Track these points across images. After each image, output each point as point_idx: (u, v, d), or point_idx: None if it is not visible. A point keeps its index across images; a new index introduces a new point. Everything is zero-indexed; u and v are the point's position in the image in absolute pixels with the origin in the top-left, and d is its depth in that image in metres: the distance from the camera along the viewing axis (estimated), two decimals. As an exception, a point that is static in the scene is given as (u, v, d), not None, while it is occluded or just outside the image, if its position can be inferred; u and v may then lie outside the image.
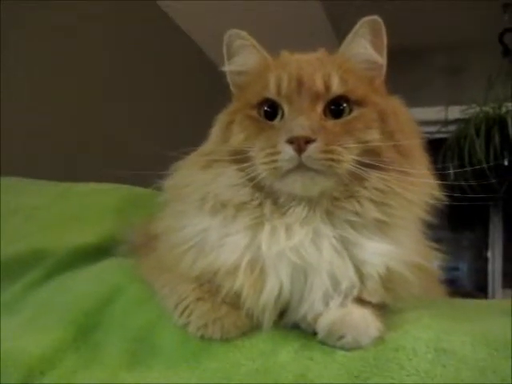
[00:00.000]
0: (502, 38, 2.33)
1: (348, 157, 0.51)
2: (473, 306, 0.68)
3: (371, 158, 0.53)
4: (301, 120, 0.51)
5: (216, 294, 0.54)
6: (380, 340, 0.49)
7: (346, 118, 0.54)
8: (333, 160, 0.51)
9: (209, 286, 0.55)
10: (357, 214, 0.53)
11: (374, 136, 0.54)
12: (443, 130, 2.28)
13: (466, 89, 2.41)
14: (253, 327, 0.53)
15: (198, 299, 0.54)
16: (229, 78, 0.63)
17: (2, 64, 1.37)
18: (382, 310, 0.54)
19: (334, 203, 0.54)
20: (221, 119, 0.61)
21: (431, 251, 0.60)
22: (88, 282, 0.68)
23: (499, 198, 2.19)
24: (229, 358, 0.50)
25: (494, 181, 2.00)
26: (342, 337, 0.49)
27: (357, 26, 0.57)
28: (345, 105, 0.55)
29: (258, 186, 0.55)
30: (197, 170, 0.59)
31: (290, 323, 0.53)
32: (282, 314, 0.54)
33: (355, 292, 0.52)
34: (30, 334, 0.57)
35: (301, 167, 0.51)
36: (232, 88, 0.63)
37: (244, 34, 0.60)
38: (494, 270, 2.62)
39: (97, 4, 1.75)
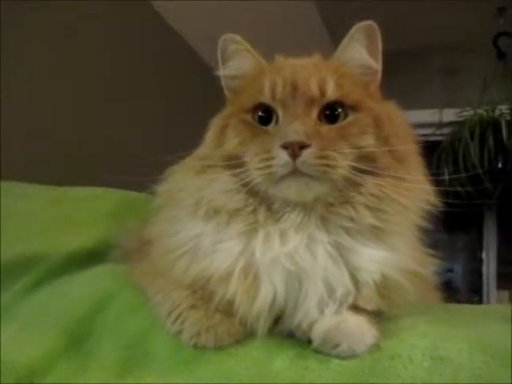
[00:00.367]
0: (497, 41, 2.34)
1: (343, 162, 0.51)
2: (468, 311, 0.68)
3: (366, 164, 0.52)
4: (295, 125, 0.51)
5: (209, 301, 0.53)
6: (376, 348, 0.49)
7: (340, 124, 0.54)
8: (328, 165, 0.50)
9: (202, 293, 0.54)
10: (352, 219, 0.53)
11: (369, 141, 0.54)
12: (438, 132, 2.29)
13: (461, 92, 2.42)
14: (247, 335, 0.52)
15: (192, 307, 0.53)
16: (223, 83, 0.62)
17: (1, 64, 1.36)
18: (377, 317, 0.53)
19: (329, 209, 0.53)
20: (215, 124, 0.60)
21: (427, 257, 0.60)
22: (80, 288, 0.67)
23: (493, 201, 2.19)
24: (223, 367, 0.49)
25: (488, 184, 2.01)
26: (337, 345, 0.48)
27: (352, 31, 0.57)
28: (340, 110, 0.54)
29: (252, 192, 0.54)
30: (191, 175, 0.58)
31: (284, 331, 0.53)
32: (277, 321, 0.53)
33: (350, 299, 0.52)
34: (21, 343, 0.56)
35: (295, 173, 0.50)
36: (226, 92, 0.62)
37: (239, 38, 0.59)
38: (488, 272, 2.63)
39: (96, 4, 1.75)
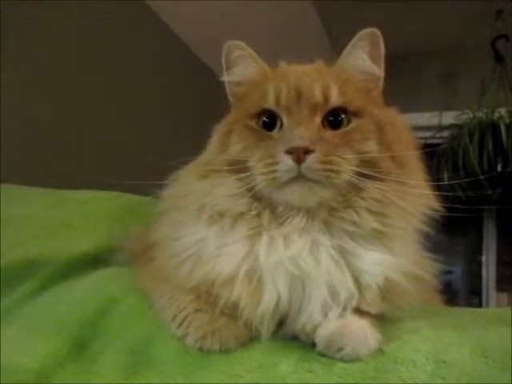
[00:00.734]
0: (495, 44, 2.35)
1: (346, 167, 0.52)
2: (469, 314, 0.68)
3: (369, 169, 0.53)
4: (300, 131, 0.52)
5: (214, 305, 0.53)
6: (379, 351, 0.49)
7: (344, 129, 0.55)
8: (331, 170, 0.51)
9: (207, 296, 0.54)
10: (355, 224, 0.54)
11: (371, 147, 0.55)
12: (437, 135, 2.30)
13: (460, 94, 2.43)
14: (251, 338, 0.53)
15: (197, 310, 0.53)
16: (227, 88, 0.63)
17: (1, 64, 1.36)
18: (380, 320, 0.54)
19: (332, 213, 0.54)
20: (219, 129, 0.61)
21: (428, 261, 0.60)
22: (84, 292, 0.67)
23: (493, 203, 2.20)
24: (228, 370, 0.50)
25: (487, 186, 2.02)
26: (341, 348, 0.49)
27: (355, 38, 0.58)
28: (343, 116, 0.55)
29: (256, 196, 0.55)
30: (195, 180, 0.59)
31: (288, 334, 0.53)
32: (281, 324, 0.54)
33: (354, 302, 0.52)
34: (24, 347, 0.56)
35: (299, 178, 0.51)
36: (230, 98, 0.63)
37: (243, 44, 0.60)
38: (488, 274, 2.63)
39: (96, 4, 1.75)
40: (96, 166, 1.63)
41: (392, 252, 0.55)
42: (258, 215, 0.55)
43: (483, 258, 2.67)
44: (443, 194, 0.59)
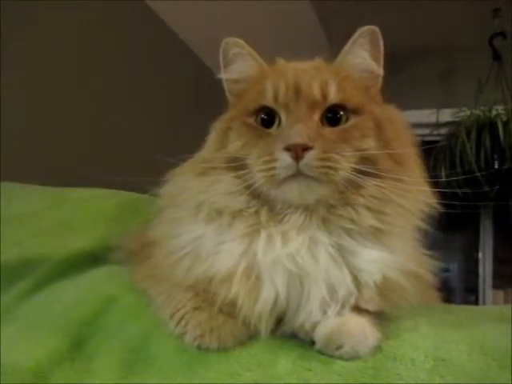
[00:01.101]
0: (492, 41, 2.36)
1: (345, 164, 0.52)
2: (468, 312, 0.68)
3: (367, 166, 0.53)
4: (298, 128, 0.51)
5: (212, 303, 0.53)
6: (378, 349, 0.49)
7: (342, 126, 0.54)
8: (330, 168, 0.51)
9: (205, 295, 0.54)
10: (353, 221, 0.53)
11: (370, 144, 0.54)
12: (434, 132, 2.30)
13: (457, 92, 2.44)
14: (250, 336, 0.53)
15: (195, 309, 0.53)
16: (225, 86, 0.62)
17: (1, 64, 1.35)
18: (378, 318, 0.54)
19: (330, 211, 0.54)
20: (217, 126, 0.60)
21: (426, 258, 0.60)
22: (82, 290, 0.66)
23: (490, 200, 2.21)
24: (226, 369, 0.49)
25: (484, 183, 2.02)
26: (340, 346, 0.49)
27: (355, 36, 0.57)
28: (341, 113, 0.55)
29: (254, 194, 0.54)
30: (193, 177, 0.58)
31: (287, 332, 0.53)
32: (279, 322, 0.53)
33: (352, 300, 0.52)
34: (22, 346, 0.56)
35: (298, 175, 0.51)
36: (228, 95, 0.62)
37: (240, 41, 0.60)
38: (484, 271, 2.64)
39: (96, 4, 1.74)
40: (95, 165, 1.62)
41: (390, 249, 0.54)
42: (256, 213, 0.55)
43: (480, 256, 2.68)
44: (440, 190, 0.59)
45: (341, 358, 0.49)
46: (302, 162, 0.50)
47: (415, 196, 0.56)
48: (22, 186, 1.07)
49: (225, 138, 0.58)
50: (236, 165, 0.55)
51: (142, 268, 0.65)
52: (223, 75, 0.62)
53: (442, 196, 0.59)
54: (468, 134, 2.11)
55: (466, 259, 2.86)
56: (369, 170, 0.53)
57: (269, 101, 0.55)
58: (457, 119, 2.27)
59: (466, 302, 2.73)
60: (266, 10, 2.20)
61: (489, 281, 2.61)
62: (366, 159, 0.53)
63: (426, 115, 2.28)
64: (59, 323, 0.59)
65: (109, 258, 0.78)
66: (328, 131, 0.54)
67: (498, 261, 2.62)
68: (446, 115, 2.32)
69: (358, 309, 0.53)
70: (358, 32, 0.57)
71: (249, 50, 0.60)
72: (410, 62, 2.66)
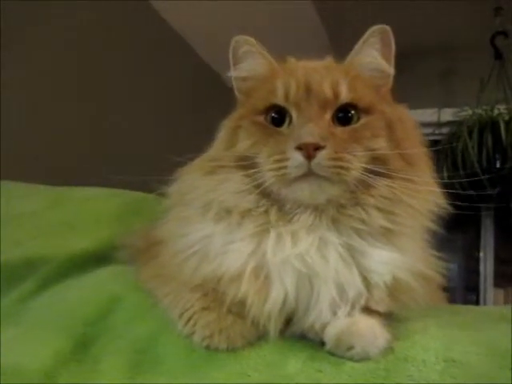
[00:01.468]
0: (494, 40, 2.35)
1: (356, 164, 0.51)
2: (474, 312, 0.68)
3: (378, 166, 0.53)
4: (310, 127, 0.51)
5: (221, 303, 0.53)
6: (389, 350, 0.49)
7: (353, 126, 0.54)
8: (342, 167, 0.50)
9: (214, 295, 0.54)
10: (363, 221, 0.53)
11: (381, 144, 0.54)
12: (436, 132, 2.30)
13: (459, 91, 2.43)
14: (259, 337, 0.52)
15: (203, 308, 0.53)
16: (234, 84, 0.62)
17: (1, 64, 1.35)
18: (388, 319, 0.54)
19: (340, 211, 0.53)
20: (227, 125, 0.60)
21: (435, 259, 0.60)
22: (86, 290, 0.66)
23: (491, 200, 2.21)
24: (235, 369, 0.49)
25: (486, 183, 2.02)
26: (350, 347, 0.48)
27: (366, 35, 0.57)
28: (353, 112, 0.54)
29: (263, 193, 0.54)
30: (201, 176, 0.58)
31: (297, 332, 0.53)
32: (289, 322, 0.53)
33: (362, 301, 0.52)
34: (27, 347, 0.56)
35: (309, 174, 0.50)
36: (237, 93, 0.62)
37: (250, 39, 0.59)
38: (485, 270, 2.65)
39: (96, 4, 1.73)
40: (95, 164, 1.62)
41: (400, 250, 0.54)
42: (266, 212, 0.54)
43: (481, 255, 2.69)
44: (443, 191, 0.58)
45: (351, 359, 0.48)
46: (314, 162, 0.50)
47: (425, 196, 0.55)
48: (22, 186, 1.06)
49: (234, 136, 0.58)
50: (245, 163, 0.55)
51: (148, 267, 0.65)
52: (232, 73, 0.61)
53: (445, 196, 0.58)
54: (470, 133, 2.10)
55: (466, 258, 2.86)
56: (379, 170, 0.52)
57: (279, 99, 0.55)
58: (458, 119, 2.26)
59: (466, 300, 2.74)
60: (268, 9, 2.19)
61: (490, 280, 2.62)
62: (376, 159, 0.53)
63: (428, 115, 2.27)
64: (64, 324, 0.58)
65: (113, 257, 0.78)
66: (339, 131, 0.53)
67: (499, 260, 2.62)
68: (448, 115, 2.31)
69: (368, 310, 0.53)
70: (369, 31, 0.57)
71: (259, 49, 0.60)
72: (411, 61, 2.64)
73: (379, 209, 0.53)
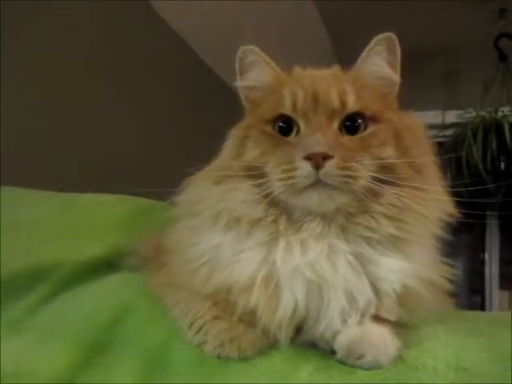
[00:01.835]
0: (498, 42, 2.35)
1: (364, 173, 0.52)
2: (483, 318, 0.68)
3: (386, 175, 0.53)
4: (318, 136, 0.51)
5: (232, 312, 0.53)
6: (399, 359, 0.49)
7: (361, 135, 0.54)
8: (350, 176, 0.51)
9: (224, 304, 0.54)
10: (372, 229, 0.53)
11: (389, 153, 0.54)
12: (440, 134, 2.30)
13: (463, 93, 2.43)
14: (270, 345, 0.53)
15: (214, 318, 0.53)
16: (241, 93, 0.62)
17: (1, 64, 1.35)
18: (398, 327, 0.54)
19: (349, 219, 0.54)
20: (234, 134, 0.60)
21: (444, 266, 0.60)
22: (96, 298, 0.66)
23: (496, 202, 2.20)
24: (246, 378, 0.49)
25: (490, 185, 2.02)
26: (361, 356, 0.49)
27: (372, 43, 0.57)
28: (360, 121, 0.55)
29: (272, 202, 0.54)
30: (210, 185, 0.58)
31: (307, 341, 0.53)
32: (299, 331, 0.53)
33: (372, 309, 0.52)
34: (39, 355, 0.56)
35: (317, 183, 0.51)
36: (244, 103, 0.62)
37: (257, 49, 0.60)
38: (491, 272, 2.64)
39: (96, 4, 1.74)
40: (97, 164, 1.62)
41: (409, 258, 0.54)
42: (275, 221, 0.55)
43: (486, 257, 2.68)
44: (452, 199, 0.58)
45: (362, 367, 0.49)
46: (322, 171, 0.50)
47: (434, 204, 0.55)
48: (28, 191, 1.05)
49: (242, 146, 0.58)
50: (254, 173, 0.55)
51: (158, 275, 0.65)
52: (239, 83, 0.62)
53: (452, 202, 0.58)
54: (474, 135, 2.10)
55: (471, 260, 2.85)
56: (388, 179, 0.53)
57: (287, 109, 0.55)
58: (463, 121, 2.26)
59: (471, 303, 2.73)
60: (268, 10, 2.20)
61: (495, 282, 2.61)
62: (384, 168, 0.53)
63: (432, 117, 2.27)
64: (77, 332, 0.59)
65: (122, 263, 0.78)
66: (347, 140, 0.53)
67: (504, 262, 2.61)
68: (452, 117, 2.31)
69: (378, 318, 0.53)
70: (375, 39, 0.57)
71: (265, 58, 0.60)
72: (414, 63, 2.64)
73: (388, 217, 0.53)
